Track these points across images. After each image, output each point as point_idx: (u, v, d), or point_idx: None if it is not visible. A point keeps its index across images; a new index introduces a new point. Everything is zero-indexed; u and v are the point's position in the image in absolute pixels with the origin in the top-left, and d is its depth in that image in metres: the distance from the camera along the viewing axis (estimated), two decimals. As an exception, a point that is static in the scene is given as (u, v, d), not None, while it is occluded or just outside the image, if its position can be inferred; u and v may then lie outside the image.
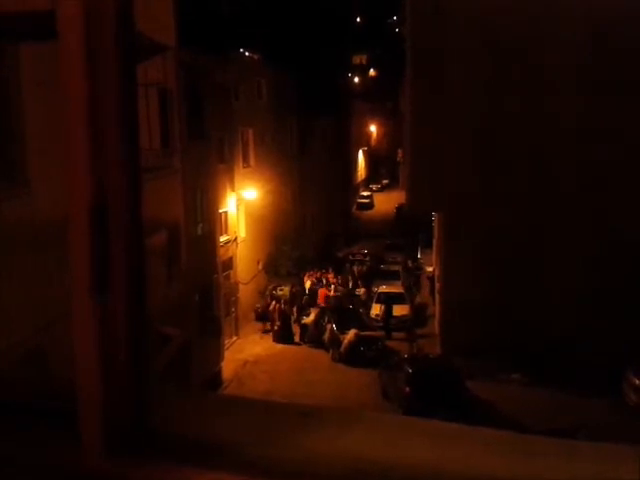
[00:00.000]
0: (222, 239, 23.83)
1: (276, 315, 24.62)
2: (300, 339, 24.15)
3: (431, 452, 1.27)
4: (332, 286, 28.75)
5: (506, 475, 1.19)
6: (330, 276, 30.32)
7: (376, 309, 25.46)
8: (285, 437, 1.26)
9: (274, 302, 25.46)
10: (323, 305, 25.93)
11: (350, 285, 30.07)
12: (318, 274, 30.26)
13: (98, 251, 1.05)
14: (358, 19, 73.85)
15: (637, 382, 16.39)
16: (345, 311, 25.08)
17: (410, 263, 34.33)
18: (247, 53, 30.97)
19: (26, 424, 1.29)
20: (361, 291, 28.55)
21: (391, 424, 1.49)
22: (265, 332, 24.88)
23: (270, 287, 27.54)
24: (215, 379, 19.88)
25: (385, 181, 71.17)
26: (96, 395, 1.08)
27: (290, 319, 25.03)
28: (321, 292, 27.41)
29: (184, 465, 1.12)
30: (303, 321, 24.70)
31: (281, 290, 27.06)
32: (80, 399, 1.09)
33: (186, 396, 1.56)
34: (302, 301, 26.67)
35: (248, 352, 23.10)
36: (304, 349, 23.58)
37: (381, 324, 24.34)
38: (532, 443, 1.39)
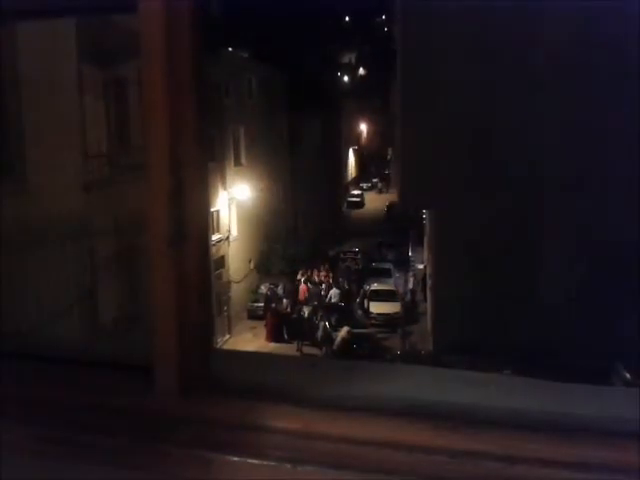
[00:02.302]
0: (214, 238, 23.80)
1: (268, 313, 24.61)
2: (292, 337, 24.13)
3: (464, 393, 1.35)
4: (323, 285, 28.73)
5: (537, 408, 1.28)
6: (323, 274, 30.33)
7: (369, 307, 25.53)
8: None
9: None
10: (303, 301, 25.91)
11: (343, 283, 30.09)
12: (311, 272, 30.25)
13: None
14: (347, 18, 74.00)
15: (628, 376, 16.60)
16: (338, 309, 25.19)
17: (401, 261, 34.42)
18: (236, 51, 30.93)
19: (108, 376, 1.37)
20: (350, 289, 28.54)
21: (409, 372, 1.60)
22: None
23: (263, 285, 27.52)
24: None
25: (375, 179, 71.26)
26: (172, 346, 1.16)
27: (282, 317, 25.00)
28: (302, 288, 27.36)
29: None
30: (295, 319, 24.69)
31: (274, 289, 27.06)
32: (157, 351, 1.18)
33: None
34: (295, 299, 26.68)
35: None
36: (296, 347, 23.58)
37: (373, 321, 24.46)
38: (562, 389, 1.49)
